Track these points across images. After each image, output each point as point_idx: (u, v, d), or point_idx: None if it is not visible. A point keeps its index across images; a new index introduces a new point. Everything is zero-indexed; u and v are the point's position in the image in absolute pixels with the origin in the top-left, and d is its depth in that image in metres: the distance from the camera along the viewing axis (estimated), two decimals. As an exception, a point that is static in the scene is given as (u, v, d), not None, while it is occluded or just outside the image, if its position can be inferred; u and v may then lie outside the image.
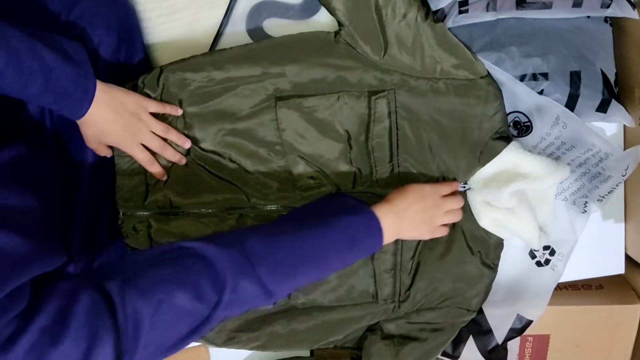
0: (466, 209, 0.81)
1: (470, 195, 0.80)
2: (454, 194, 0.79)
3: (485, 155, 0.78)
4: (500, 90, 0.78)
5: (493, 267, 0.83)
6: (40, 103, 0.69)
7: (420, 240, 0.81)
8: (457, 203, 0.78)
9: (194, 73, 0.78)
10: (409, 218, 0.74)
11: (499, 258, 0.83)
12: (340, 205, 0.75)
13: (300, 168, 0.79)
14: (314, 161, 0.79)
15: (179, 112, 0.79)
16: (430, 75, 0.76)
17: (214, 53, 0.79)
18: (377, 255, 0.80)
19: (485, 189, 0.78)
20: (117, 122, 0.73)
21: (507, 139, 0.78)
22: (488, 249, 0.82)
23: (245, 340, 0.84)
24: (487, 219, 0.80)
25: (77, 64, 0.68)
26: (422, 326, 0.83)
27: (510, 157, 0.78)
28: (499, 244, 0.83)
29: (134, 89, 0.78)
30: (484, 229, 0.81)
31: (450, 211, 0.78)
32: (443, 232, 0.79)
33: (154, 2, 0.82)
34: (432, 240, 0.81)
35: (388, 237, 0.73)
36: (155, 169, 0.79)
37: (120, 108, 0.73)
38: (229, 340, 0.84)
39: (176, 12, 0.83)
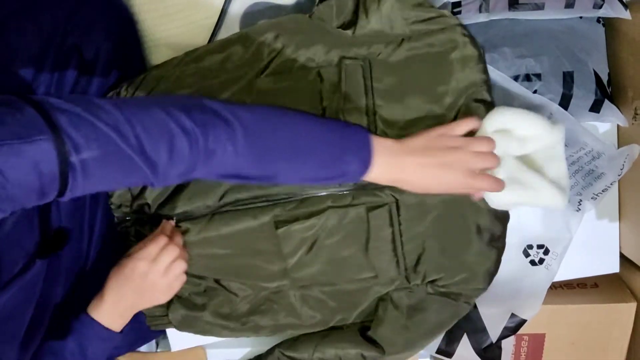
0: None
1: None
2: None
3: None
4: (478, 46, 0.74)
5: (501, 243, 0.78)
6: None
7: (424, 225, 0.75)
8: (170, 255, 0.70)
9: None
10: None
11: (505, 230, 0.78)
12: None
13: None
14: None
15: None
16: (402, 37, 0.75)
17: (193, 50, 0.79)
18: (375, 245, 0.76)
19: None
20: None
21: (489, 105, 0.73)
22: (495, 226, 0.77)
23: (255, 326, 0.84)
24: (500, 202, 0.73)
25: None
26: (434, 297, 0.80)
27: (500, 120, 0.69)
28: (503, 217, 0.78)
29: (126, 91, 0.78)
30: (489, 207, 0.75)
31: (168, 268, 0.70)
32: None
33: (150, 4, 0.83)
34: (439, 225, 0.75)
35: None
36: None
37: None
38: (244, 326, 0.84)
39: (171, 14, 0.83)
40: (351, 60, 0.75)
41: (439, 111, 0.74)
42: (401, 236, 0.77)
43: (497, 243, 0.78)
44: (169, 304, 0.83)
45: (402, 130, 0.74)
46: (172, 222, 0.77)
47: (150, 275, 0.70)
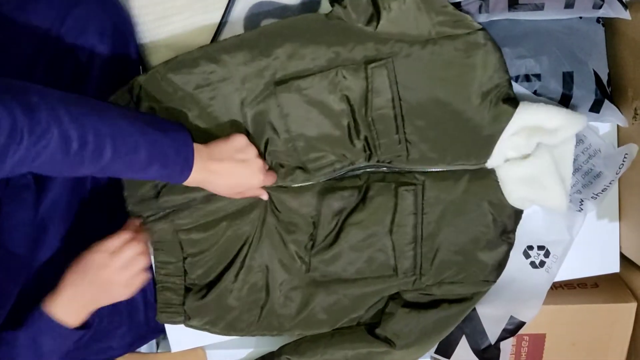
0: (493, 185, 0.79)
1: (499, 172, 0.79)
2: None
3: (497, 122, 0.76)
4: (499, 48, 0.76)
5: (512, 237, 0.82)
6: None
7: (443, 213, 0.80)
8: (132, 250, 0.71)
9: (186, 75, 0.77)
10: (82, 291, 0.69)
11: (516, 226, 0.82)
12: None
13: (310, 150, 0.79)
14: (322, 142, 0.78)
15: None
16: (426, 38, 0.76)
17: (207, 46, 0.78)
18: (396, 229, 0.80)
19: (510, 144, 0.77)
20: None
21: (514, 102, 0.76)
22: (509, 220, 0.81)
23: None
24: (517, 196, 0.78)
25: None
26: (443, 297, 0.83)
27: (526, 118, 0.75)
28: (518, 213, 0.82)
29: (130, 91, 0.78)
30: (508, 203, 0.80)
31: (129, 263, 0.71)
32: (141, 281, 0.73)
33: (148, 7, 0.82)
34: (457, 215, 0.80)
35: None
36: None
37: None
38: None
39: (170, 16, 0.83)
40: (375, 63, 0.76)
41: (466, 114, 0.77)
42: (422, 226, 0.80)
43: (508, 237, 0.82)
44: (185, 293, 0.83)
45: (429, 134, 0.78)
46: (139, 221, 0.76)
47: (108, 269, 0.69)
